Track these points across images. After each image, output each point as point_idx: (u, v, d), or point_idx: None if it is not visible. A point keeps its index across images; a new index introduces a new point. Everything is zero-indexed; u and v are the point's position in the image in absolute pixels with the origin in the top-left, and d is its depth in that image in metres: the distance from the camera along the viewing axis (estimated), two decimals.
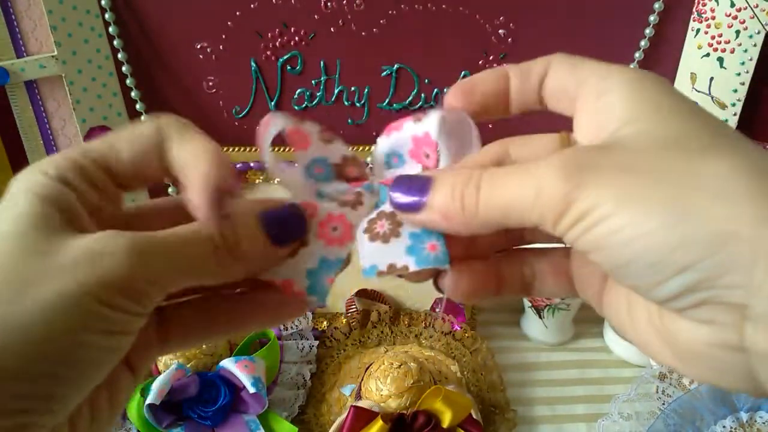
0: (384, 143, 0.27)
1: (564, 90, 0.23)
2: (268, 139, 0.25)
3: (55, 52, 0.64)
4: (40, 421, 0.19)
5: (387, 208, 0.25)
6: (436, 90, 0.71)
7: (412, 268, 0.23)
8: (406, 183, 0.23)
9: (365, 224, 0.25)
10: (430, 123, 0.25)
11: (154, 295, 0.21)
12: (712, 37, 0.64)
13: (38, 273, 0.19)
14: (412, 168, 0.27)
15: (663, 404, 0.58)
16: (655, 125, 0.20)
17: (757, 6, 0.61)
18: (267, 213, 0.24)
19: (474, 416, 0.57)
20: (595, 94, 0.22)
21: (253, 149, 0.69)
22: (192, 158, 0.23)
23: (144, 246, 0.20)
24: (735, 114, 0.65)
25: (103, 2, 0.64)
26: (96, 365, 0.20)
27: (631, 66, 0.68)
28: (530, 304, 0.73)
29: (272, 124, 0.26)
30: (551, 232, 0.20)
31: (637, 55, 0.68)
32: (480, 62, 0.69)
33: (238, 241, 0.22)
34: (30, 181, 0.21)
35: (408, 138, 0.26)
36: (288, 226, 0.24)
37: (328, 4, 0.65)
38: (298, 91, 0.71)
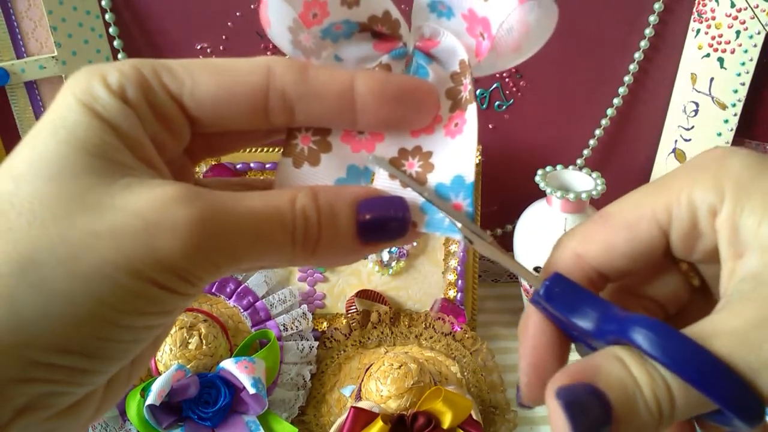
0: None
1: None
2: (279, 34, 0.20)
3: (55, 53, 0.64)
4: (71, 390, 0.17)
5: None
6: None
7: (420, 229, 0.20)
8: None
9: (395, 152, 0.20)
10: (498, 9, 0.19)
11: (213, 278, 0.18)
12: (713, 38, 0.64)
13: (85, 230, 0.15)
14: (460, 34, 0.20)
15: None
16: None
17: (757, 6, 0.60)
18: (366, 205, 0.19)
19: (474, 417, 0.57)
20: None
21: (253, 150, 0.69)
22: (326, 83, 0.19)
23: (212, 224, 0.16)
24: (735, 114, 0.65)
25: (103, 3, 0.64)
26: (137, 343, 0.18)
27: (631, 66, 0.68)
28: None
29: (273, 16, 0.20)
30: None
31: (637, 55, 0.68)
32: None
33: (320, 239, 0.19)
34: (86, 92, 0.17)
35: (464, 4, 0.20)
36: (386, 226, 0.19)
37: None
38: None
